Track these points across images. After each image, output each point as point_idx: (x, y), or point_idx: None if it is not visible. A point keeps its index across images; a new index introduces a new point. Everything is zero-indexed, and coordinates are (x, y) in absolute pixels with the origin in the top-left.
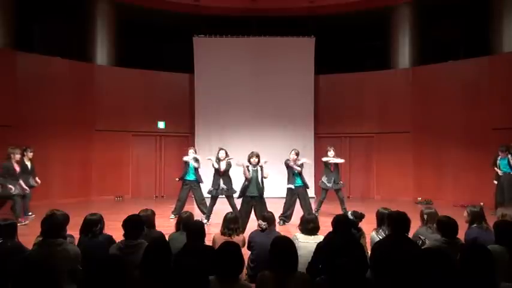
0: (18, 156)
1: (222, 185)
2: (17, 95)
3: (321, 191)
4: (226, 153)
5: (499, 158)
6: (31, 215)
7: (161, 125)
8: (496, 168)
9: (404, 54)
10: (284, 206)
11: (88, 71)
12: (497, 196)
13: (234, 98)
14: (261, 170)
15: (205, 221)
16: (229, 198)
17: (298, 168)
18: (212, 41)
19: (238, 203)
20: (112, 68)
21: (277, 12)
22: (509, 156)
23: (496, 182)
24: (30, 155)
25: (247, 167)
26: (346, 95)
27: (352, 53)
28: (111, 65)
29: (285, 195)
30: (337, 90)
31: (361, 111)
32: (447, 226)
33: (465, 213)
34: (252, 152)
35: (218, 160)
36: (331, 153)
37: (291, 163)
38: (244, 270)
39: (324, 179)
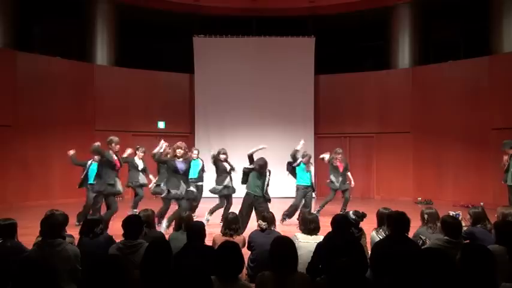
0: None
1: (231, 184)
2: (17, 95)
3: (330, 191)
4: (226, 153)
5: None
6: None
7: (161, 125)
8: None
9: (404, 54)
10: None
11: (88, 71)
12: None
13: (234, 97)
14: (269, 174)
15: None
16: (231, 196)
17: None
18: (212, 41)
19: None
20: (112, 68)
21: (277, 12)
22: None
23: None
24: (141, 154)
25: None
26: (346, 95)
27: (352, 53)
28: (111, 65)
29: (285, 195)
30: (337, 90)
31: (361, 111)
32: (451, 226)
33: (468, 216)
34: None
35: (215, 160)
36: (340, 155)
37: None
38: (244, 270)
39: (333, 179)
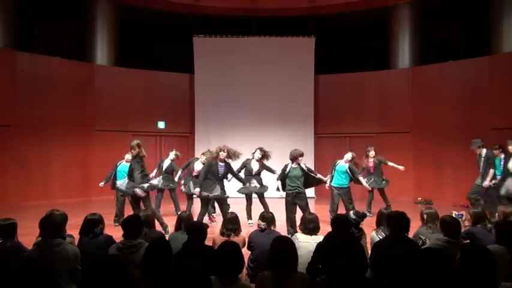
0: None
1: (255, 183)
2: (17, 95)
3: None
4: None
5: None
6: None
7: (161, 125)
8: None
9: (404, 54)
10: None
11: (88, 71)
12: None
13: (234, 97)
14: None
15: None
16: (262, 196)
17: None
18: (212, 41)
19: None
20: (112, 68)
21: (277, 12)
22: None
23: None
24: (174, 157)
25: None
26: (346, 95)
27: (352, 53)
28: (111, 65)
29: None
30: (337, 90)
31: (361, 111)
32: (451, 226)
33: (468, 216)
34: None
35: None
36: (372, 153)
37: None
38: (244, 270)
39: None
